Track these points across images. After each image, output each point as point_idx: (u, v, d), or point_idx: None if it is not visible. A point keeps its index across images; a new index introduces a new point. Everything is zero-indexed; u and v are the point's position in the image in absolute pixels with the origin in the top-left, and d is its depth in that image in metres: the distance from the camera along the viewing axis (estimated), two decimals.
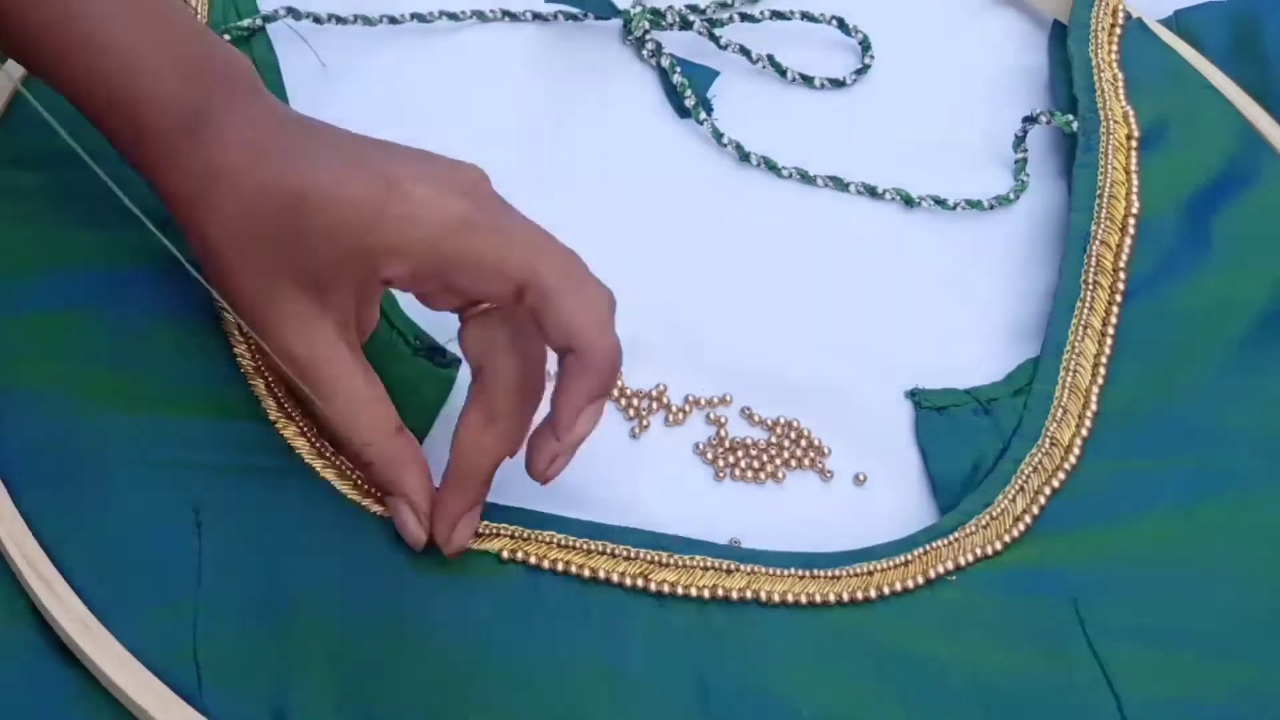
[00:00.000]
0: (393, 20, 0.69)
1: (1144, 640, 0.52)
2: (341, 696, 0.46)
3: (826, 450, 0.58)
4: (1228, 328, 0.60)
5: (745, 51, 0.71)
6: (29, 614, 0.47)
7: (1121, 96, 0.67)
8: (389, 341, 0.56)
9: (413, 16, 0.69)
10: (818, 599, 0.51)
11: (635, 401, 0.59)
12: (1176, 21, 0.73)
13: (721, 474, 0.57)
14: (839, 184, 0.67)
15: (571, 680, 0.48)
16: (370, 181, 0.47)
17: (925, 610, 0.52)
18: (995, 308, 0.63)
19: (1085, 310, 0.60)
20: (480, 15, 0.70)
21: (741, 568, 0.51)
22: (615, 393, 0.59)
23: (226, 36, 0.64)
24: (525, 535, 0.51)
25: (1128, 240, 0.62)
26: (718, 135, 0.67)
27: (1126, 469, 0.56)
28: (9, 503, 0.48)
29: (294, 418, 0.52)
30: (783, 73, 0.71)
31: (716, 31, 0.71)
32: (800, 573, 0.51)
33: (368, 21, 0.68)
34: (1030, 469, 0.56)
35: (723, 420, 0.59)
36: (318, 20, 0.68)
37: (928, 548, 0.53)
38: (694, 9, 0.72)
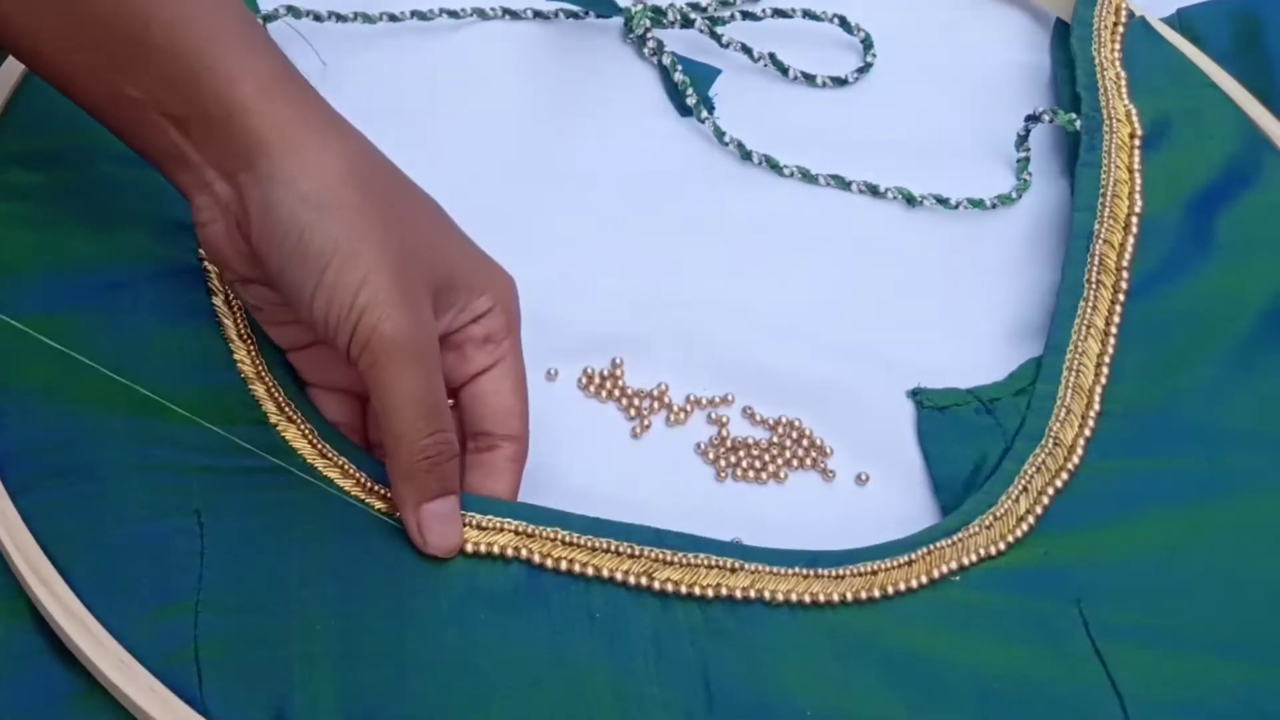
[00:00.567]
0: (393, 18, 0.69)
1: (1147, 640, 0.52)
2: (342, 697, 0.46)
3: (828, 450, 0.58)
4: (1231, 326, 0.60)
5: (747, 50, 0.70)
6: (29, 614, 0.47)
7: (1124, 95, 0.67)
8: None
9: (413, 14, 0.69)
10: (822, 599, 0.51)
11: (637, 401, 0.58)
12: (1179, 20, 0.73)
13: (723, 474, 0.57)
14: (841, 183, 0.66)
15: (574, 679, 0.48)
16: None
17: (929, 610, 0.51)
18: (997, 307, 0.63)
19: (1088, 309, 0.60)
20: (481, 13, 0.70)
21: (746, 566, 0.51)
22: (617, 392, 0.59)
23: None
24: (529, 531, 0.50)
25: (1131, 239, 0.62)
26: (719, 134, 0.67)
27: (1130, 469, 0.56)
28: (8, 503, 0.48)
29: (294, 420, 0.52)
30: (784, 71, 0.70)
31: (718, 29, 0.71)
32: (804, 572, 0.51)
33: (368, 19, 0.68)
34: (1033, 469, 0.55)
35: (724, 420, 0.59)
36: (318, 18, 0.67)
37: (931, 548, 0.53)
38: (695, 7, 0.72)
